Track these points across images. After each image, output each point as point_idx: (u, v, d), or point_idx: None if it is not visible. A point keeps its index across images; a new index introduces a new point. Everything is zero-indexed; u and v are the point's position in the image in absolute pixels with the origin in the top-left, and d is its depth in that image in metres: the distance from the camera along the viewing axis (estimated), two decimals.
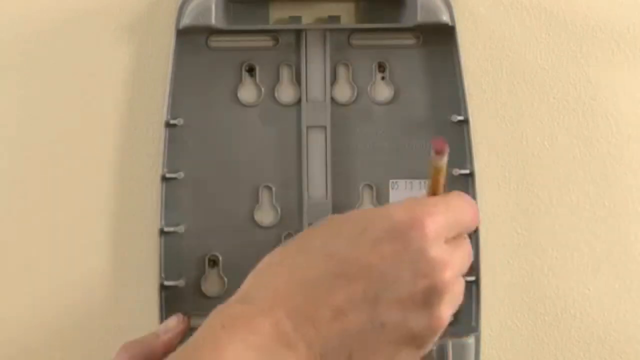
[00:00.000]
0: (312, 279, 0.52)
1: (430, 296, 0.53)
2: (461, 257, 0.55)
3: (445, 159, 0.56)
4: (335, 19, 0.82)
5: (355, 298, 0.51)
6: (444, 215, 0.53)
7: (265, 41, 0.82)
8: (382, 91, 0.82)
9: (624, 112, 0.83)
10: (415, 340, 0.53)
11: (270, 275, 0.53)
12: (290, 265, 0.53)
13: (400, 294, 0.52)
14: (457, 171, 0.81)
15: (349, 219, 0.54)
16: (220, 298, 0.77)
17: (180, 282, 0.80)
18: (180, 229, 0.80)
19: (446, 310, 0.54)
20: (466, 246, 0.56)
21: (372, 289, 0.52)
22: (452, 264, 0.53)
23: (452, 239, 0.55)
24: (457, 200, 0.56)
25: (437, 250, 0.52)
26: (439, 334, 0.54)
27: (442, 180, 0.57)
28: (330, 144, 0.81)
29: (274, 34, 0.82)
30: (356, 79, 0.82)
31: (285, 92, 0.82)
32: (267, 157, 0.82)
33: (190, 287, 0.81)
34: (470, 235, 0.60)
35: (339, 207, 0.82)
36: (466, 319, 0.81)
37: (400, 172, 0.82)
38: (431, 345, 0.55)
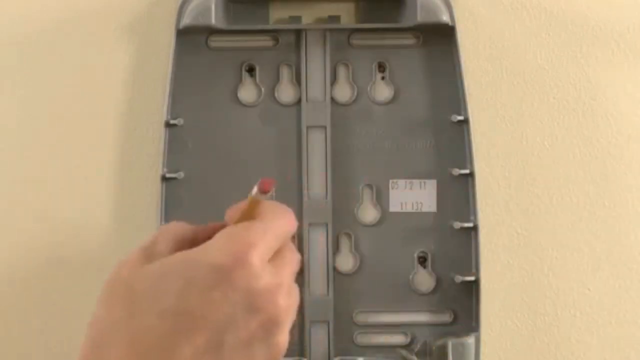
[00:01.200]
0: (153, 342, 0.51)
1: (269, 328, 0.53)
2: (289, 268, 0.55)
3: (265, 197, 0.55)
4: (335, 19, 0.82)
5: (199, 350, 0.51)
6: (262, 240, 0.53)
7: (265, 41, 0.82)
8: (382, 91, 0.82)
9: (624, 112, 0.83)
10: None
11: (109, 343, 0.51)
12: (126, 331, 0.51)
13: (240, 335, 0.52)
14: (457, 171, 0.81)
15: (171, 270, 0.53)
16: None
17: None
18: None
19: (285, 334, 0.54)
20: (289, 252, 0.55)
21: (213, 337, 0.51)
22: (282, 285, 0.53)
23: (276, 253, 0.54)
24: (271, 215, 0.55)
25: (265, 280, 0.52)
26: (281, 356, 0.54)
27: (256, 213, 0.56)
28: (330, 144, 0.81)
29: (274, 34, 0.82)
30: (356, 79, 0.82)
31: (285, 92, 0.82)
32: (267, 157, 0.82)
33: None
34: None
35: (339, 207, 0.82)
36: (466, 319, 0.81)
37: (400, 172, 0.82)
38: None
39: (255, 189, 0.54)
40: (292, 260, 0.55)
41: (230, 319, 0.52)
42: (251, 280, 0.52)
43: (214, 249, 0.52)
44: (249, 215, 0.55)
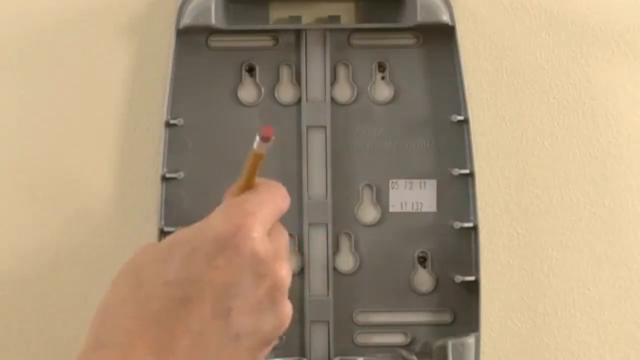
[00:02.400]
0: (159, 309, 0.51)
1: (274, 294, 0.54)
2: (283, 244, 0.56)
3: (267, 146, 0.56)
4: (335, 18, 0.82)
5: (206, 318, 0.52)
6: (260, 211, 0.54)
7: (265, 41, 0.82)
8: (382, 91, 0.82)
9: (624, 112, 0.83)
10: (268, 339, 0.54)
11: (117, 316, 0.52)
12: (134, 302, 0.52)
13: (247, 300, 0.53)
14: (457, 171, 0.81)
15: (175, 241, 0.54)
16: None
17: None
18: None
19: (289, 304, 0.55)
20: (282, 231, 0.57)
21: (219, 304, 0.52)
22: (281, 254, 0.54)
23: (271, 229, 0.55)
24: (267, 190, 0.57)
25: (267, 247, 0.53)
26: (286, 326, 0.55)
27: (258, 170, 0.57)
28: (330, 144, 0.81)
29: (274, 34, 0.82)
30: (356, 79, 0.82)
31: (285, 92, 0.82)
32: (267, 157, 0.81)
33: None
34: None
35: (339, 207, 0.82)
36: (466, 319, 0.81)
37: (400, 172, 0.82)
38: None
39: (257, 140, 0.55)
40: (285, 237, 0.57)
41: (235, 286, 0.52)
42: (255, 246, 0.53)
43: (216, 220, 0.54)
44: (251, 178, 0.56)
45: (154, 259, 0.53)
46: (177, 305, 0.52)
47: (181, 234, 0.54)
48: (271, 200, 0.56)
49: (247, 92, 0.82)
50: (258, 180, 0.57)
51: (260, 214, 0.54)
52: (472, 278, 0.80)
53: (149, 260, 0.53)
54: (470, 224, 0.80)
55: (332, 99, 0.82)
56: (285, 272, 0.54)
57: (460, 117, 0.80)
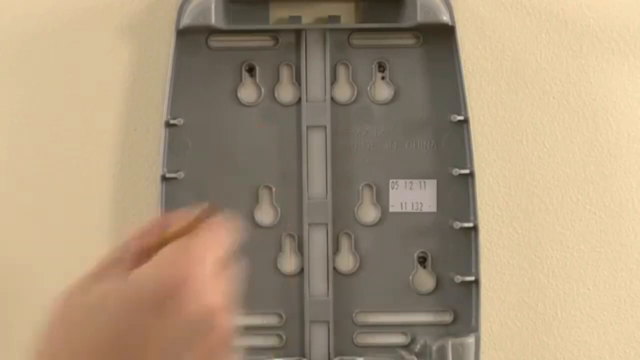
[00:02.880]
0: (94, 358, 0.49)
1: (218, 347, 0.51)
2: (229, 288, 0.54)
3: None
4: (335, 18, 0.82)
5: None
6: (209, 257, 0.51)
7: (265, 41, 0.82)
8: (382, 91, 0.82)
9: (624, 112, 0.83)
10: None
11: None
12: (71, 343, 0.50)
13: (190, 354, 0.51)
14: (457, 171, 0.81)
15: (112, 290, 0.49)
16: None
17: None
18: None
19: (232, 355, 0.53)
20: (229, 272, 0.55)
21: (160, 357, 0.50)
22: (228, 306, 0.52)
23: (218, 270, 0.53)
24: (210, 231, 0.54)
25: (212, 297, 0.50)
26: None
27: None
28: (330, 144, 0.81)
29: (274, 34, 0.82)
30: (356, 79, 0.82)
31: (285, 92, 0.82)
32: (267, 157, 0.82)
33: None
34: None
35: (339, 207, 0.82)
36: (466, 319, 0.81)
37: (400, 172, 0.82)
38: None
39: (200, 211, 0.53)
40: (232, 276, 0.54)
41: (178, 340, 0.48)
42: (198, 297, 0.49)
43: (160, 265, 0.50)
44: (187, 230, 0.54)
45: (94, 301, 0.49)
46: (112, 357, 0.49)
47: (119, 282, 0.50)
48: (216, 242, 0.53)
49: (247, 92, 0.82)
50: (203, 225, 0.55)
51: (208, 261, 0.52)
52: (472, 278, 0.80)
53: (90, 302, 0.49)
54: (470, 224, 0.80)
55: (332, 99, 0.82)
56: (230, 324, 0.51)
57: (460, 117, 0.80)
